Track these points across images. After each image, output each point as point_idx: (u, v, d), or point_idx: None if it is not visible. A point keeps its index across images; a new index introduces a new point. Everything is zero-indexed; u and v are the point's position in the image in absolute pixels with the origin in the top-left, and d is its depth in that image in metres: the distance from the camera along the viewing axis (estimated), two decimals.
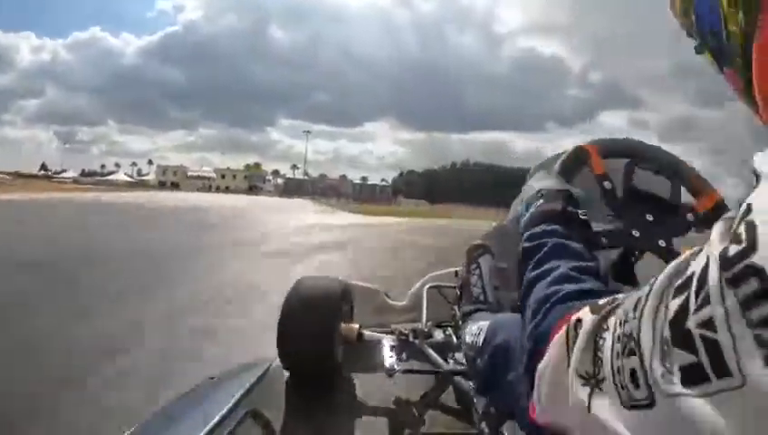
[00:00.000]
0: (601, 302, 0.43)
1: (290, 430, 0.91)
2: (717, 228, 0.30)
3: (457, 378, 1.77)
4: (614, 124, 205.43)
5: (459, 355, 1.87)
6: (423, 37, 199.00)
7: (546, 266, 0.62)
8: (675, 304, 0.30)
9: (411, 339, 1.94)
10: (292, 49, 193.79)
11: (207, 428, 0.57)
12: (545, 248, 0.66)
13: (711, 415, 0.26)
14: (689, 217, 0.99)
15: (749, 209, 0.27)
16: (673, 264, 0.34)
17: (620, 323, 0.36)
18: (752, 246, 0.26)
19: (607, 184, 0.97)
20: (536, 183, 0.84)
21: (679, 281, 0.31)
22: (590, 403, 0.38)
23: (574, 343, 0.42)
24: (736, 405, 0.26)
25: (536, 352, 0.50)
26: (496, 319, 1.05)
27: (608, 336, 0.37)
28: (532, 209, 0.77)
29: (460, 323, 1.75)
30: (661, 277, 0.34)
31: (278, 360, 1.72)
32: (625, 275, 1.03)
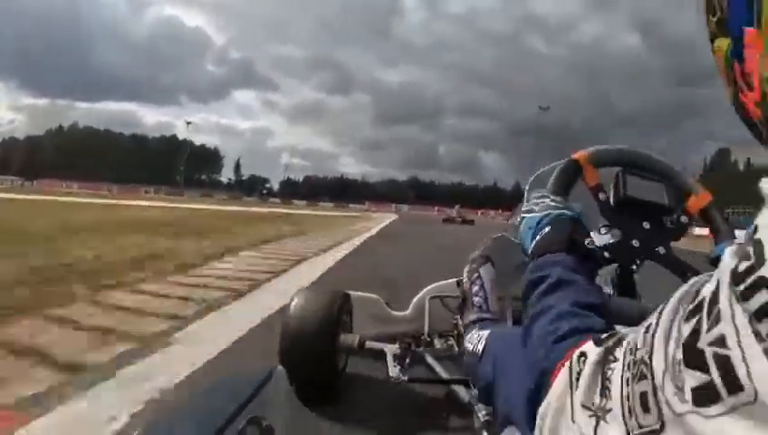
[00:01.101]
0: (604, 336, 0.44)
1: None
2: (728, 253, 0.31)
3: (458, 387, 1.77)
4: (246, 103, 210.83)
5: (461, 364, 1.88)
6: None
7: (548, 301, 0.63)
8: (687, 328, 0.31)
9: (413, 348, 1.94)
10: None
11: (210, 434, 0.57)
12: (548, 280, 0.66)
13: (721, 432, 0.27)
14: (683, 219, 1.01)
15: (756, 229, 0.28)
16: (682, 289, 0.35)
17: (630, 351, 0.37)
18: (760, 261, 0.27)
19: (602, 196, 0.98)
20: (537, 203, 0.84)
21: (690, 306, 0.32)
22: (595, 434, 0.38)
23: (578, 375, 0.43)
24: (749, 419, 0.26)
25: (539, 388, 0.51)
26: (496, 329, 1.06)
27: (616, 366, 0.38)
28: (538, 238, 0.77)
29: (462, 332, 1.76)
30: (671, 302, 0.35)
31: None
32: (626, 287, 1.04)
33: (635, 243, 0.95)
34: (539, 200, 0.84)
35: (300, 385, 1.77)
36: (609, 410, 0.37)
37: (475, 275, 1.50)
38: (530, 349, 0.60)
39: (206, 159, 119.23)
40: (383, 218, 27.77)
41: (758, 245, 0.27)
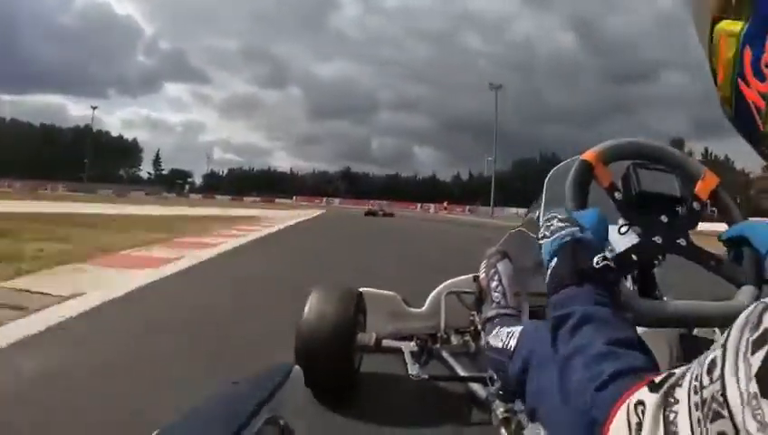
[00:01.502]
0: (658, 379, 0.43)
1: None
2: None
3: (476, 384, 1.76)
4: (177, 96, 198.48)
5: (478, 360, 1.87)
6: None
7: (579, 341, 0.62)
8: (757, 359, 0.30)
9: (430, 345, 1.94)
10: None
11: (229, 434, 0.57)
12: (572, 320, 0.65)
13: None
14: (696, 206, 0.99)
15: None
16: (741, 320, 0.34)
17: (695, 391, 0.36)
18: None
19: (618, 195, 0.97)
20: (548, 226, 0.82)
21: (755, 335, 0.31)
22: None
23: (639, 427, 0.41)
24: None
25: None
26: (528, 326, 1.05)
27: (680, 409, 0.37)
28: (549, 271, 0.75)
29: (480, 328, 1.75)
30: (732, 334, 0.34)
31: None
32: (648, 285, 1.03)
33: (657, 239, 0.94)
34: (549, 223, 0.82)
35: (317, 385, 1.77)
36: None
37: (493, 270, 1.49)
38: (571, 395, 0.58)
39: (125, 152, 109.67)
40: (297, 216, 20.87)
41: None
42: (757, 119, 0.46)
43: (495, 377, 1.37)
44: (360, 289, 2.12)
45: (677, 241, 0.95)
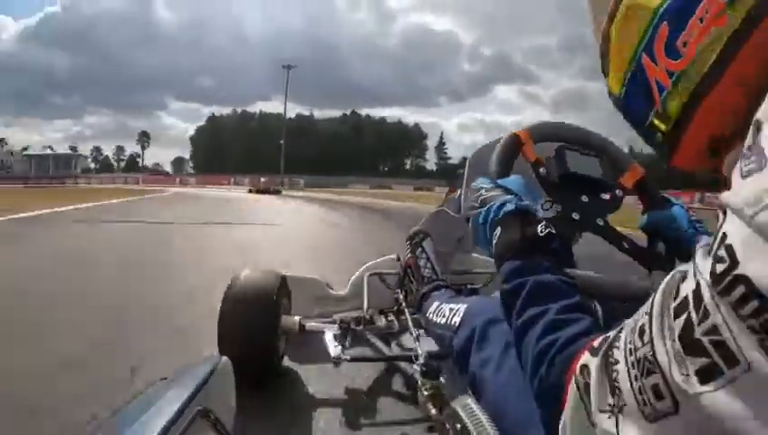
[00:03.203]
0: (596, 343, 0.48)
1: (242, 426, 0.89)
2: (700, 256, 0.36)
3: (401, 363, 1.79)
4: (506, 97, 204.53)
5: (403, 339, 1.90)
6: (312, 15, 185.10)
7: (532, 312, 0.64)
8: (678, 323, 0.36)
9: (354, 327, 1.95)
10: (180, 29, 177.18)
11: (158, 430, 0.55)
12: (525, 290, 0.67)
13: (729, 401, 0.32)
14: (618, 192, 1.06)
15: (725, 236, 0.33)
16: (662, 289, 0.40)
17: (630, 353, 0.41)
18: (734, 262, 0.32)
19: (542, 170, 1.01)
20: (475, 199, 0.84)
21: (674, 303, 0.37)
22: (618, 430, 0.42)
23: (587, 387, 0.47)
24: (748, 386, 0.31)
25: (550, 406, 0.55)
26: (473, 301, 1.08)
27: (620, 368, 0.42)
28: (494, 241, 0.76)
29: (403, 308, 1.78)
30: (656, 303, 0.39)
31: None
32: (566, 259, 1.08)
33: (575, 216, 0.99)
34: (478, 193, 0.84)
35: (242, 372, 1.73)
36: (624, 404, 0.41)
37: (420, 249, 1.51)
38: (530, 363, 0.61)
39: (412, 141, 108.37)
40: None
41: (729, 248, 0.33)
42: (656, 95, 0.49)
43: (419, 354, 1.41)
44: (284, 273, 2.09)
45: (595, 221, 1.01)
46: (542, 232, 0.73)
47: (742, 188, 0.34)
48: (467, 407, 0.95)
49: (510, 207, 0.77)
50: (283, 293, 2.00)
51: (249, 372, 1.75)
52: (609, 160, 1.08)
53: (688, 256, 0.67)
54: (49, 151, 73.27)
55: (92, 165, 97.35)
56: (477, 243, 0.83)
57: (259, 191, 33.36)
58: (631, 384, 0.40)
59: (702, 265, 0.35)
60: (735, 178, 0.35)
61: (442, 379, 1.28)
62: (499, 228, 0.76)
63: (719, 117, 0.44)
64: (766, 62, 0.39)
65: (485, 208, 0.79)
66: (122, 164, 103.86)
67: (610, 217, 1.03)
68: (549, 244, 0.73)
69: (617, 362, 0.43)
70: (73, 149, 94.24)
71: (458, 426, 0.96)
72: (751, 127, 0.35)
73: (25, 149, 77.23)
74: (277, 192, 33.97)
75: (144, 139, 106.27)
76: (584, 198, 1.01)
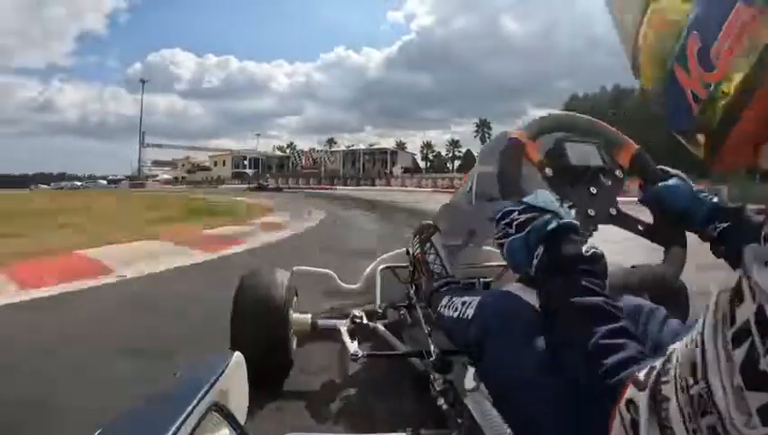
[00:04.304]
0: (641, 375, 0.45)
1: (254, 421, 0.91)
2: (755, 269, 0.31)
3: (414, 359, 1.79)
4: None
5: (415, 333, 1.90)
6: None
7: (577, 336, 0.63)
8: (739, 354, 0.32)
9: (365, 322, 1.95)
10: (528, 38, 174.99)
11: (173, 426, 0.55)
12: (571, 311, 0.65)
13: None
14: (618, 173, 1.05)
15: None
16: (710, 315, 0.36)
17: (682, 390, 0.38)
18: None
19: (548, 171, 0.99)
20: (507, 222, 0.82)
21: (732, 331, 0.33)
22: None
23: (634, 424, 0.44)
24: None
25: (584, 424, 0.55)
26: (487, 294, 1.07)
27: (670, 406, 0.39)
28: (536, 262, 0.74)
29: (414, 302, 1.78)
30: (708, 333, 0.36)
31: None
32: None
33: (591, 212, 0.98)
34: (508, 219, 0.82)
35: (255, 370, 1.75)
36: None
37: (428, 244, 1.50)
38: (573, 389, 0.61)
39: None
40: None
41: None
42: (692, 104, 0.47)
43: (432, 350, 1.40)
44: (294, 268, 2.09)
45: (609, 211, 1.00)
46: (587, 252, 0.71)
47: None
48: (478, 402, 0.95)
49: (553, 224, 0.75)
50: (294, 289, 2.01)
51: (262, 368, 1.76)
52: (604, 141, 1.07)
53: (694, 227, 0.62)
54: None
55: None
56: (516, 266, 0.81)
57: None
58: (685, 425, 0.37)
59: (762, 280, 0.31)
60: None
61: (454, 374, 1.28)
62: (542, 248, 0.74)
63: (760, 125, 0.42)
64: None
65: (525, 232, 0.77)
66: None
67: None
68: (594, 264, 0.71)
69: (667, 398, 0.40)
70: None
71: (470, 420, 0.97)
72: None
73: None
74: None
75: None
76: (593, 190, 1.00)
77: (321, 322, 2.01)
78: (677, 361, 0.40)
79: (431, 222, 1.61)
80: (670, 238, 0.99)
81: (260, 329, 1.76)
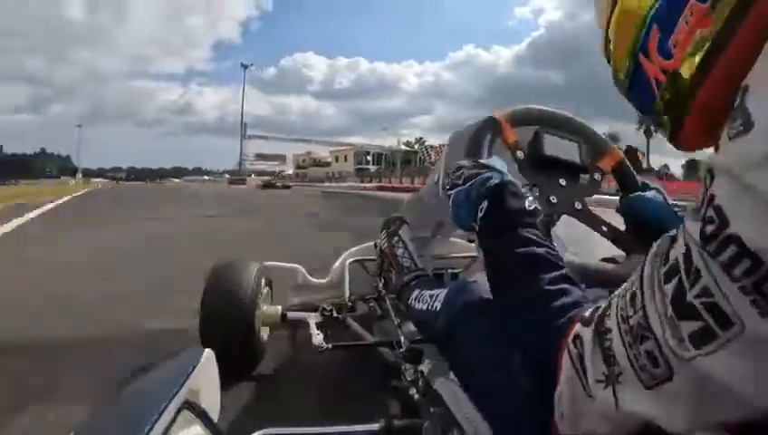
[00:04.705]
0: (587, 313, 0.49)
1: (227, 416, 0.90)
2: (690, 222, 0.36)
3: (383, 349, 1.80)
4: None
5: (385, 325, 1.91)
6: None
7: (523, 284, 0.65)
8: (669, 288, 0.37)
9: (336, 314, 1.95)
10: None
11: (145, 427, 0.55)
12: (516, 261, 0.67)
13: (724, 363, 0.33)
14: (597, 176, 1.07)
15: (713, 197, 0.34)
16: (650, 257, 0.41)
17: (622, 320, 0.42)
18: (724, 222, 0.32)
19: (519, 153, 1.01)
20: (458, 176, 0.83)
21: (665, 268, 0.38)
22: (616, 398, 0.43)
23: (581, 357, 0.47)
24: (742, 347, 0.32)
25: (543, 378, 0.56)
26: (453, 285, 1.08)
27: (613, 336, 0.43)
28: (480, 214, 0.76)
29: (383, 295, 1.79)
30: (646, 271, 0.40)
31: None
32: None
33: (553, 199, 0.99)
34: (459, 171, 0.83)
35: (225, 364, 1.73)
36: (620, 373, 0.42)
37: (396, 238, 1.51)
38: (524, 336, 0.64)
39: None
40: None
41: (718, 209, 0.33)
42: (655, 90, 0.51)
43: (402, 340, 1.41)
44: (265, 263, 2.08)
45: (573, 204, 1.02)
46: (530, 206, 0.74)
47: (729, 150, 0.34)
48: (450, 390, 0.97)
49: (496, 180, 0.76)
50: (264, 282, 1.99)
51: (232, 362, 1.75)
52: (588, 144, 1.09)
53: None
54: None
55: None
56: (459, 220, 0.81)
57: None
58: (626, 352, 0.41)
59: (691, 228, 0.36)
60: (723, 140, 0.35)
61: (424, 364, 1.29)
62: (485, 202, 0.75)
63: (712, 109, 0.46)
64: (750, 60, 0.40)
65: (469, 184, 0.79)
66: None
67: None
68: (535, 218, 0.73)
69: (609, 330, 0.44)
70: None
71: (441, 408, 0.98)
72: (739, 91, 0.36)
73: None
74: None
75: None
76: (562, 182, 1.02)
77: (290, 314, 2.01)
78: (619, 296, 0.44)
79: (399, 215, 1.61)
80: (635, 245, 1.02)
81: (229, 322, 1.76)
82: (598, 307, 0.48)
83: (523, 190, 0.77)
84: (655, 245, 0.41)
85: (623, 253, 1.04)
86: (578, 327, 0.50)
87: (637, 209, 1.04)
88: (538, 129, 1.04)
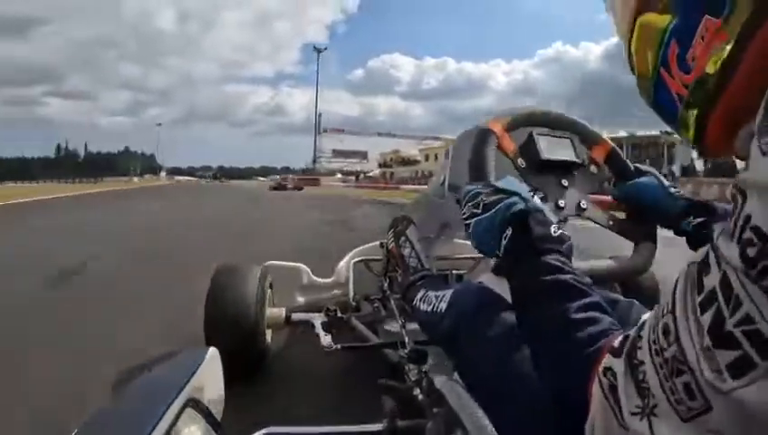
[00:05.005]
0: (616, 343, 0.47)
1: (231, 415, 0.90)
2: (724, 243, 0.34)
3: (387, 350, 1.79)
4: None
5: (389, 326, 1.91)
6: None
7: (550, 312, 0.63)
8: (707, 318, 0.35)
9: (339, 315, 1.95)
10: None
11: (150, 424, 0.55)
12: (543, 289, 0.65)
13: (765, 395, 0.31)
14: (593, 169, 1.07)
15: (749, 217, 0.32)
16: (681, 286, 0.39)
17: (656, 353, 0.40)
18: (766, 244, 0.30)
19: (521, 162, 1.01)
20: (476, 204, 0.81)
21: (699, 298, 0.36)
22: (652, 431, 0.41)
23: (613, 389, 0.46)
24: None
25: (571, 406, 0.54)
26: (459, 287, 1.07)
27: (646, 369, 0.41)
28: (504, 242, 0.74)
29: (387, 294, 1.78)
30: (678, 301, 0.38)
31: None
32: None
33: (561, 203, 0.99)
34: (476, 200, 0.81)
35: (229, 365, 1.73)
36: (656, 405, 0.40)
37: (403, 238, 1.50)
38: (550, 365, 0.62)
39: None
40: None
41: (757, 230, 0.31)
42: (677, 102, 0.52)
43: (406, 341, 1.41)
44: (266, 263, 2.08)
45: (579, 203, 1.02)
46: (555, 232, 0.72)
47: (763, 165, 0.32)
48: (454, 391, 0.96)
49: (520, 206, 0.75)
50: (266, 283, 1.99)
51: (236, 363, 1.74)
52: (579, 137, 1.10)
53: (667, 222, 0.65)
54: None
55: None
56: (482, 248, 0.80)
57: None
58: (662, 385, 0.40)
59: (727, 251, 0.34)
60: (755, 155, 0.33)
61: (428, 364, 1.29)
62: (510, 229, 0.73)
63: (728, 120, 0.46)
64: (764, 71, 0.40)
65: (493, 211, 0.77)
66: None
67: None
68: (561, 244, 0.71)
69: (642, 362, 0.42)
70: None
71: (445, 409, 0.97)
72: (763, 102, 0.34)
73: None
74: None
75: None
76: (564, 183, 1.02)
77: (295, 315, 2.00)
78: (650, 327, 0.42)
79: (406, 215, 1.61)
80: (641, 233, 1.02)
81: (233, 324, 1.75)
82: (627, 336, 0.46)
83: (541, 206, 0.76)
84: (683, 272, 0.39)
85: (630, 244, 1.04)
86: (608, 358, 0.48)
87: (635, 197, 1.04)
88: (531, 131, 1.03)
